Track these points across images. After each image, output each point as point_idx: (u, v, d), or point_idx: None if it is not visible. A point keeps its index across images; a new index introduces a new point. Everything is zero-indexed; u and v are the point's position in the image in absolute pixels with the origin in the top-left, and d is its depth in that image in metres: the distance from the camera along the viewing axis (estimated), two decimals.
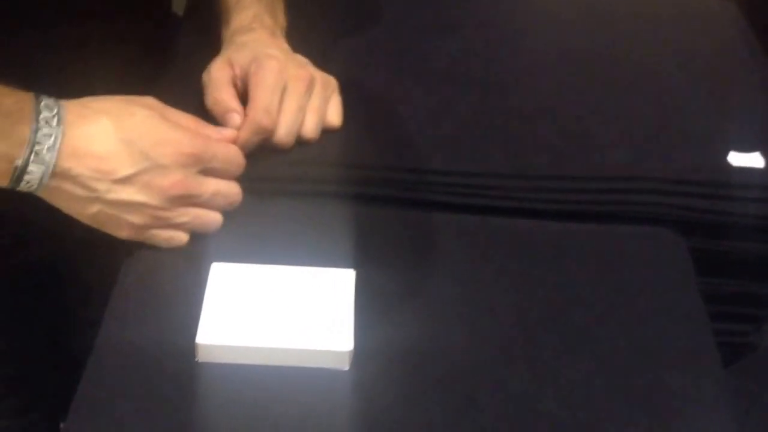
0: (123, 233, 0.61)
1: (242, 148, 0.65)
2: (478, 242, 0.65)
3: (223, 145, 0.63)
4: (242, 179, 0.65)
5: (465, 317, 0.60)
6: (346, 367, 0.56)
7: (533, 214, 0.67)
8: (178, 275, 0.61)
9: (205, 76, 0.68)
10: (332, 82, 0.70)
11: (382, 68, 0.77)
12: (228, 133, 0.64)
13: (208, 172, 0.62)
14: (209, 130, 0.64)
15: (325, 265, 0.61)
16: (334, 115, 0.69)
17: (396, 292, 0.61)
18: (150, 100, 0.61)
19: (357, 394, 0.55)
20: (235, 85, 0.67)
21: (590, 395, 0.56)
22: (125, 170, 0.58)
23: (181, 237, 0.62)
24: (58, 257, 0.78)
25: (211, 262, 0.61)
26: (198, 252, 0.62)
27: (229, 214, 0.64)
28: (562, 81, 0.77)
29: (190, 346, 0.56)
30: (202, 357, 0.56)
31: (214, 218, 0.63)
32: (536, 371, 0.57)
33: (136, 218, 0.60)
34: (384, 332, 0.58)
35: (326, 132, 0.69)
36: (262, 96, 0.65)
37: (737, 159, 0.69)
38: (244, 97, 0.67)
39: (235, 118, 0.65)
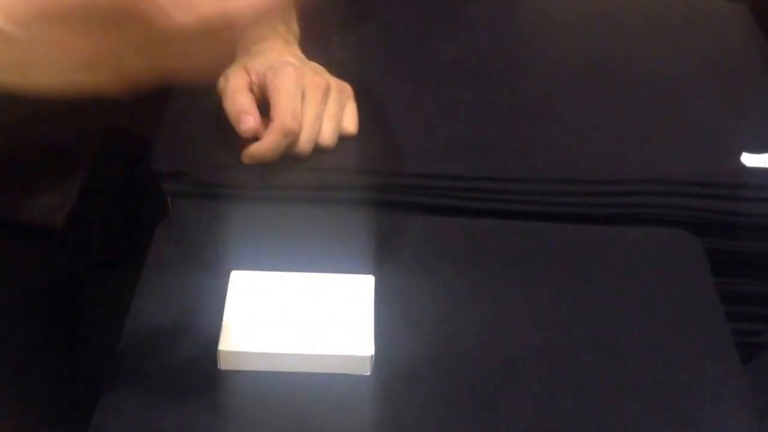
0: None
1: (270, 153, 0.64)
2: (496, 246, 0.65)
3: None
4: (260, 187, 0.65)
5: (484, 321, 0.60)
6: (368, 372, 0.57)
7: (549, 218, 0.67)
8: (198, 284, 0.61)
9: (222, 81, 0.68)
10: (347, 88, 0.70)
11: (393, 73, 0.77)
12: None
13: None
14: None
15: (344, 272, 0.61)
16: (350, 122, 0.69)
17: (415, 297, 0.61)
18: None
19: (379, 400, 0.55)
20: (251, 92, 0.67)
21: (609, 396, 0.56)
22: None
23: None
24: (82, 273, 0.78)
25: (231, 270, 0.61)
26: (217, 260, 0.62)
27: (247, 222, 0.64)
28: (574, 83, 0.77)
29: (212, 355, 0.56)
30: (224, 365, 0.56)
31: None
32: (556, 373, 0.57)
33: None
34: (404, 337, 0.59)
35: (342, 138, 0.69)
36: (286, 100, 0.65)
37: (751, 160, 0.69)
38: (258, 106, 0.67)
39: (249, 120, 0.65)
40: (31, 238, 0.71)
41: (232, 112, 0.66)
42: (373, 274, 0.61)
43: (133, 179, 0.78)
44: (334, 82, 0.69)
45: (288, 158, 0.66)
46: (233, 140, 0.67)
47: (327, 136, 0.67)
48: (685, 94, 0.76)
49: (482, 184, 0.67)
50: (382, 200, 0.67)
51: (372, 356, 0.56)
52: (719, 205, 0.67)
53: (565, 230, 0.66)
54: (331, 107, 0.68)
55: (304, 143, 0.66)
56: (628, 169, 0.68)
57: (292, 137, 0.65)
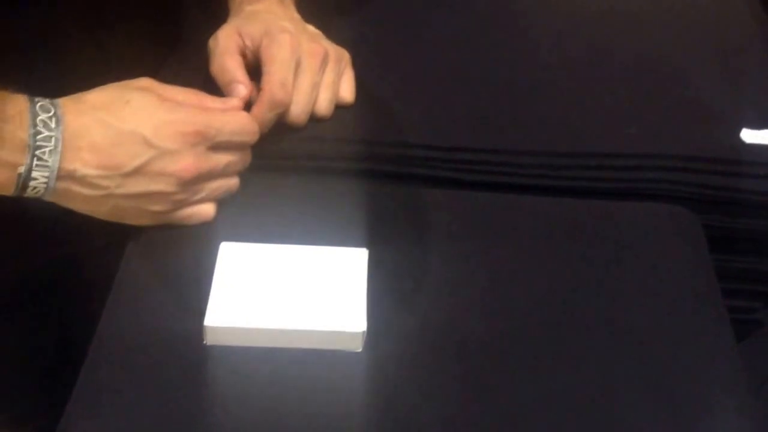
0: (145, 221, 0.60)
1: (258, 124, 0.63)
2: (492, 220, 0.64)
3: (229, 115, 0.61)
4: (252, 156, 0.63)
5: (479, 296, 0.59)
6: (359, 349, 0.56)
7: (547, 191, 0.66)
8: (186, 255, 0.60)
9: (211, 42, 0.66)
10: (345, 56, 0.68)
11: (393, 41, 0.75)
12: (234, 102, 0.62)
13: (218, 146, 0.60)
14: (212, 102, 0.61)
15: (336, 244, 0.59)
16: (347, 91, 0.68)
17: (410, 272, 0.60)
18: (144, 82, 0.59)
19: (370, 376, 0.55)
20: (243, 56, 0.65)
21: (603, 372, 0.56)
22: (132, 162, 0.56)
23: (207, 209, 0.61)
24: (63, 259, 0.77)
25: (220, 242, 0.59)
26: (206, 231, 0.61)
27: (238, 192, 0.62)
28: (575, 57, 0.75)
29: (198, 329, 0.55)
30: (210, 340, 0.55)
31: (232, 184, 0.62)
32: (551, 349, 0.56)
33: (155, 206, 0.58)
34: (398, 312, 0.57)
35: (338, 108, 0.67)
36: (278, 70, 0.63)
37: (751, 136, 0.68)
38: (251, 71, 0.65)
39: (240, 89, 0.63)
40: (25, 223, 0.69)
41: (222, 79, 0.64)
42: (367, 248, 0.60)
43: None
44: (332, 50, 0.67)
45: (283, 127, 0.65)
46: None
47: (323, 105, 0.66)
48: (686, 70, 0.75)
49: (480, 156, 0.66)
50: (377, 171, 0.66)
51: (364, 332, 0.55)
52: (718, 182, 0.67)
53: (562, 204, 0.66)
54: (328, 76, 0.66)
55: (299, 113, 0.64)
56: (627, 143, 0.68)
57: (281, 109, 0.63)
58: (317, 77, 0.65)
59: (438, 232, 0.63)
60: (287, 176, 0.65)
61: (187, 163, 0.57)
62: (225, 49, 0.65)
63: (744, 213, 0.68)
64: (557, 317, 0.58)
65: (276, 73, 0.63)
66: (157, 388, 0.53)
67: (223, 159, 0.60)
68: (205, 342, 0.55)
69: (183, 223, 0.61)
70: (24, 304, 0.78)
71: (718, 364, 0.57)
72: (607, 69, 0.75)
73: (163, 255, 0.60)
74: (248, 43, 0.65)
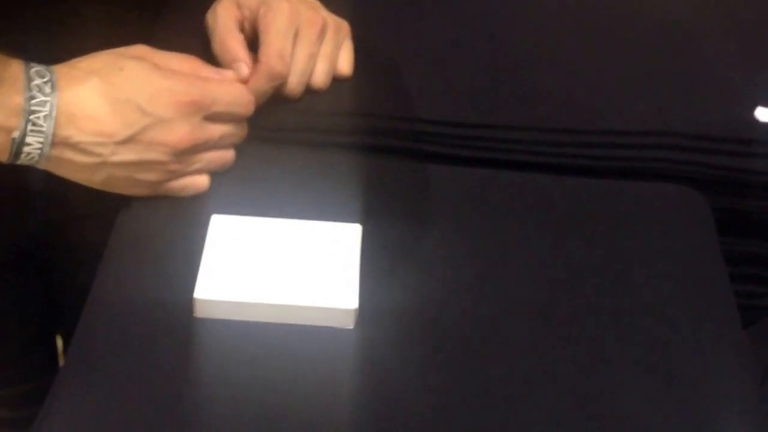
0: (138, 191, 0.59)
1: (254, 96, 0.61)
2: (489, 197, 0.63)
3: (225, 85, 0.60)
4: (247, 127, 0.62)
5: (475, 275, 0.58)
6: (351, 326, 0.55)
7: (549, 169, 0.65)
8: (176, 227, 0.59)
9: (210, 18, 0.65)
10: (344, 26, 0.67)
11: (392, 15, 0.74)
12: (229, 74, 0.61)
13: (213, 117, 0.58)
14: (208, 71, 0.60)
15: (330, 219, 0.58)
16: (345, 63, 0.66)
17: (404, 248, 0.59)
18: (139, 49, 0.58)
19: (362, 354, 0.54)
20: (241, 28, 0.64)
21: (604, 354, 0.54)
22: (126, 130, 0.55)
23: (201, 181, 0.60)
24: (52, 228, 0.76)
25: (211, 214, 0.58)
26: (197, 203, 0.60)
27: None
28: (579, 31, 0.74)
29: (188, 302, 0.54)
30: (200, 313, 0.54)
31: (227, 157, 0.61)
32: (547, 330, 0.55)
33: (148, 176, 0.57)
34: (391, 290, 0.56)
35: (335, 80, 0.66)
36: (275, 41, 0.61)
37: (765, 114, 0.67)
38: (250, 41, 0.63)
39: (243, 68, 0.62)
40: (4, 194, 0.68)
41: (224, 58, 0.63)
42: (361, 223, 0.59)
43: None
44: (331, 20, 0.66)
45: (278, 99, 0.64)
46: None
47: (320, 77, 0.64)
48: (699, 44, 0.73)
49: (479, 131, 0.65)
50: (373, 145, 0.64)
51: (356, 309, 0.54)
52: (729, 162, 0.65)
53: (565, 183, 0.64)
54: (327, 47, 0.65)
55: (296, 84, 0.63)
56: (633, 120, 0.66)
57: (279, 81, 0.62)
58: (315, 48, 0.64)
59: (435, 209, 0.62)
60: (280, 148, 0.63)
61: (182, 133, 0.56)
62: (225, 26, 0.63)
63: (755, 195, 0.67)
64: (556, 299, 0.57)
65: (273, 44, 0.61)
66: (146, 361, 0.52)
67: (218, 130, 0.59)
68: (194, 315, 0.54)
69: (177, 195, 0.60)
70: (12, 272, 0.77)
71: (723, 351, 0.56)
72: (615, 42, 0.73)
73: (154, 226, 0.59)
74: (246, 13, 0.64)
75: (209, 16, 0.65)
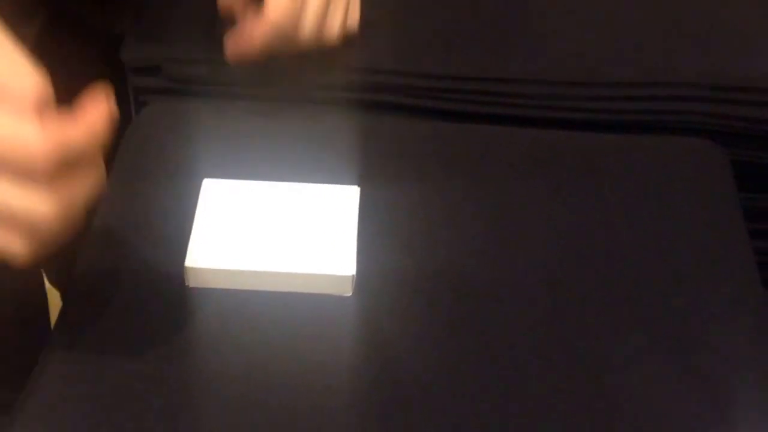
0: None
1: (259, 53, 0.58)
2: (496, 155, 0.61)
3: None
4: (236, 85, 0.60)
5: (478, 238, 0.56)
6: (349, 293, 0.53)
7: (556, 124, 0.62)
8: (166, 192, 0.57)
9: None
10: None
11: None
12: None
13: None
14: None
15: (326, 181, 0.57)
16: (352, 19, 0.62)
17: (404, 211, 0.57)
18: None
19: (360, 322, 0.52)
20: None
21: (615, 318, 0.52)
22: None
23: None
24: None
25: (203, 178, 0.57)
26: (188, 166, 0.58)
27: (223, 124, 0.59)
28: None
29: (180, 270, 0.53)
30: (192, 282, 0.53)
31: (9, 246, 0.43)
32: (554, 294, 0.53)
33: None
34: (390, 254, 0.55)
35: None
36: None
37: None
38: None
39: (230, 45, 0.58)
40: None
41: (222, 7, 0.59)
42: (358, 185, 0.57)
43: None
44: None
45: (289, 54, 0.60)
46: (216, 33, 0.61)
47: (332, 31, 0.60)
48: None
49: (485, 85, 0.62)
50: (372, 102, 0.62)
51: (354, 276, 0.53)
52: (749, 113, 0.63)
53: (575, 138, 0.62)
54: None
55: (308, 34, 0.58)
56: (648, 71, 0.64)
57: (285, 36, 0.58)
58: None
59: (436, 169, 0.60)
60: (272, 106, 0.61)
61: None
62: None
63: None
64: (564, 260, 0.55)
65: None
66: (137, 331, 0.51)
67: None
68: (186, 284, 0.53)
69: None
70: None
71: (743, 311, 0.54)
72: None
73: (144, 191, 0.57)
74: None
75: None
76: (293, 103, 0.62)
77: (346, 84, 0.62)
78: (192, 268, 0.52)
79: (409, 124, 0.62)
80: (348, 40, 0.62)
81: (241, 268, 0.52)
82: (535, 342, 0.51)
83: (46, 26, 0.67)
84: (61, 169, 0.41)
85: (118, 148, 0.60)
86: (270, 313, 0.52)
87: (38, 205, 0.41)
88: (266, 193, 0.56)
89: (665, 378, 0.50)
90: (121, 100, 0.63)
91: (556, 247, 0.56)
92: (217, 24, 0.61)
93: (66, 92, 0.44)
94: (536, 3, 0.68)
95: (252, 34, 0.58)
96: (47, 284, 0.89)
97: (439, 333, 0.52)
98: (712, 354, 0.51)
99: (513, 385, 0.50)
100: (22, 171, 0.41)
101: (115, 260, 0.54)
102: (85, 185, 0.42)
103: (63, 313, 0.52)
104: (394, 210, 0.57)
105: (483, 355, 0.51)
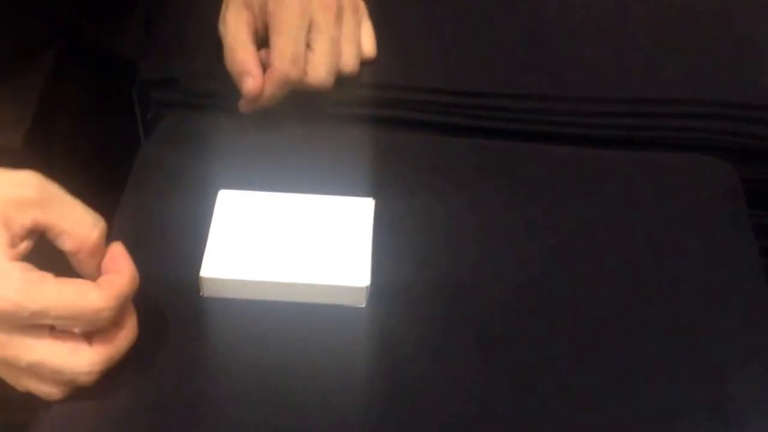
0: None
1: (270, 101, 0.59)
2: (510, 171, 0.61)
3: (68, 293, 0.45)
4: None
5: (492, 251, 0.56)
6: (363, 304, 0.53)
7: (569, 140, 0.63)
8: (182, 203, 0.57)
9: (221, 28, 0.61)
10: (361, 5, 0.64)
11: None
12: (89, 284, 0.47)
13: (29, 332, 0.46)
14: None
15: (341, 193, 0.57)
16: (368, 44, 0.63)
17: (418, 223, 0.58)
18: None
19: (374, 333, 0.53)
20: (255, 30, 0.61)
21: (629, 334, 0.53)
22: None
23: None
24: None
25: (218, 189, 0.57)
26: (204, 178, 0.58)
27: (239, 136, 0.60)
28: None
29: (194, 280, 0.53)
30: (207, 292, 0.53)
31: (45, 391, 0.48)
32: (569, 308, 0.54)
33: None
34: (404, 266, 0.55)
35: None
36: (286, 41, 0.58)
37: None
38: (265, 40, 0.61)
39: (249, 81, 0.59)
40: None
41: (233, 71, 0.61)
42: (373, 197, 0.57)
43: (102, 93, 0.72)
44: (346, 0, 0.63)
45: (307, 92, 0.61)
46: None
47: (349, 61, 0.62)
48: (730, 6, 0.71)
49: (500, 101, 0.63)
50: (387, 117, 0.63)
51: (368, 287, 0.53)
52: (760, 131, 0.63)
53: (586, 155, 0.62)
54: (347, 28, 0.62)
55: (325, 75, 0.60)
56: (659, 87, 0.64)
57: (293, 84, 0.60)
58: (335, 32, 0.60)
59: (450, 182, 0.60)
60: (289, 120, 0.62)
61: None
62: (234, 37, 0.60)
63: None
64: (578, 274, 0.55)
65: (284, 46, 0.59)
66: (151, 341, 0.51)
67: (35, 353, 0.46)
68: (201, 294, 0.53)
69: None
70: None
71: (752, 328, 0.54)
72: (642, 7, 0.70)
73: (160, 202, 0.58)
74: (256, 11, 0.61)
75: (220, 26, 0.62)
76: (307, 116, 0.62)
77: (359, 99, 0.63)
78: (207, 278, 0.53)
79: (421, 139, 0.63)
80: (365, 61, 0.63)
81: (256, 279, 0.53)
82: (552, 353, 0.52)
83: (64, 52, 0.68)
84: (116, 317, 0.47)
85: (134, 161, 0.60)
86: (284, 323, 0.52)
87: (84, 368, 0.47)
88: (281, 205, 0.56)
89: (675, 383, 0.51)
90: (128, 117, 0.64)
91: (569, 261, 0.56)
92: None
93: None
94: (546, 19, 0.69)
95: (265, 87, 0.59)
96: None
97: (453, 344, 0.52)
98: (725, 366, 0.52)
99: (530, 396, 0.50)
100: (89, 326, 0.46)
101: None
102: (128, 338, 0.48)
103: None
104: (408, 222, 0.57)
105: (498, 367, 0.51)
